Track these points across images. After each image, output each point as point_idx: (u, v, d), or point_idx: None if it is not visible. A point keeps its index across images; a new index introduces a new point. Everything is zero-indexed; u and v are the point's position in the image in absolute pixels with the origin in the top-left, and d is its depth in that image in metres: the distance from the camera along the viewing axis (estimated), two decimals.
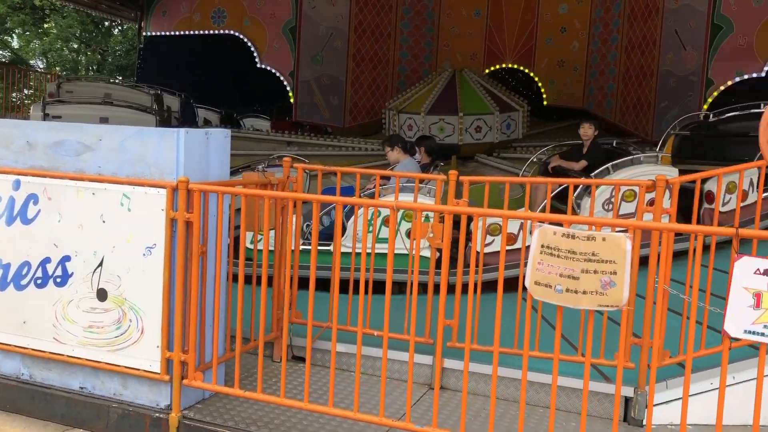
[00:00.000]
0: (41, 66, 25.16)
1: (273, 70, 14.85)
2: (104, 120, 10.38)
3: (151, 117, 10.73)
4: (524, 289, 3.18)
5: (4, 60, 24.05)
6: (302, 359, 4.47)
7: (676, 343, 4.01)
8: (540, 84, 15.75)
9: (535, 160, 8.31)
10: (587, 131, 7.18)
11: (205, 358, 3.78)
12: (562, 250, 2.90)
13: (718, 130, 7.55)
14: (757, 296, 2.65)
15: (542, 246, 2.94)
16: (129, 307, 3.72)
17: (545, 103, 15.61)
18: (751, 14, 11.64)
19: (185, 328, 3.62)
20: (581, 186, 5.92)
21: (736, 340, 2.84)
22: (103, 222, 3.75)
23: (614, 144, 8.14)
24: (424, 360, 4.31)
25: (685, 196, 4.22)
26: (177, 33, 15.49)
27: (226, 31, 15.06)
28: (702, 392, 3.89)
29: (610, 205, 5.82)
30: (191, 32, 15.34)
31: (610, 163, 6.29)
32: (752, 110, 7.47)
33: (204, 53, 15.35)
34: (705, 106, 12.14)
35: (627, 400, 3.95)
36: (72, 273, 3.84)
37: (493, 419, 3.24)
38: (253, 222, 4.11)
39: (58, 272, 3.86)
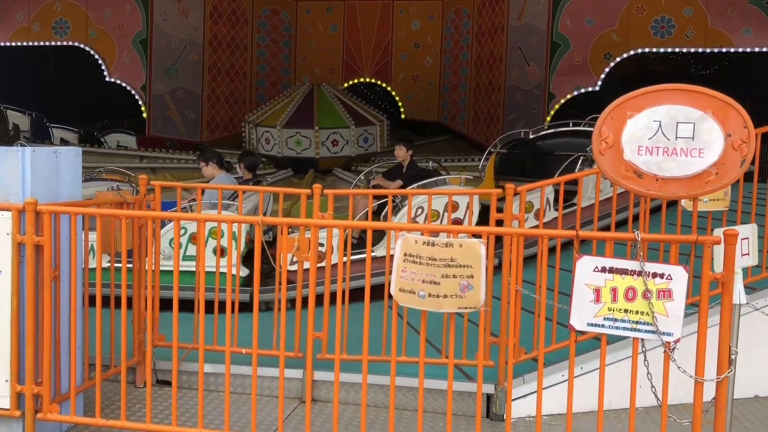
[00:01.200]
0: None
1: (123, 84, 14.23)
2: None
3: None
4: (390, 296, 3.30)
5: None
6: (167, 383, 4.33)
7: (530, 340, 4.30)
8: (397, 98, 16.25)
9: (362, 177, 8.50)
10: (399, 153, 7.38)
11: (61, 388, 3.57)
12: (424, 257, 3.04)
13: (534, 148, 8.15)
14: (597, 291, 2.93)
15: (405, 254, 3.06)
16: None
17: (402, 116, 16.11)
18: (584, 33, 12.73)
19: (38, 358, 3.40)
20: (399, 198, 6.23)
21: (582, 333, 3.11)
22: None
23: (430, 165, 8.53)
24: (295, 374, 4.32)
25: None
26: (13, 44, 14.41)
27: (71, 43, 14.23)
28: (555, 384, 4.19)
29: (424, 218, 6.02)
30: (30, 43, 14.34)
31: (417, 184, 6.59)
32: (561, 128, 8.21)
33: (45, 66, 14.43)
34: (548, 118, 13.11)
35: (489, 396, 4.18)
36: None
37: (364, 426, 3.31)
38: (109, 243, 3.95)
39: None
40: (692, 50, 12.14)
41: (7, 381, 3.42)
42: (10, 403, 3.42)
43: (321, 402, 4.26)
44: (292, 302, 4.66)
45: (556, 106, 13.06)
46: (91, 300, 3.91)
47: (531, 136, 8.36)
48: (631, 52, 12.37)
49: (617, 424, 4.09)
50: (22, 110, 11.41)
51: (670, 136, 2.86)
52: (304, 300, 4.20)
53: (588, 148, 6.54)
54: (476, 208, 5.92)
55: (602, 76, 12.63)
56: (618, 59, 12.47)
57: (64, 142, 11.67)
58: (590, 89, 12.79)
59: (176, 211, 4.55)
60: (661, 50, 12.33)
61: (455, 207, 6.00)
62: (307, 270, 4.43)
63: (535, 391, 3.80)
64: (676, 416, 3.30)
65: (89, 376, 3.74)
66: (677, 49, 12.24)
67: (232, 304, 4.12)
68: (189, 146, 13.88)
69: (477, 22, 14.79)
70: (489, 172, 8.21)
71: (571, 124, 8.24)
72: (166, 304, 4.48)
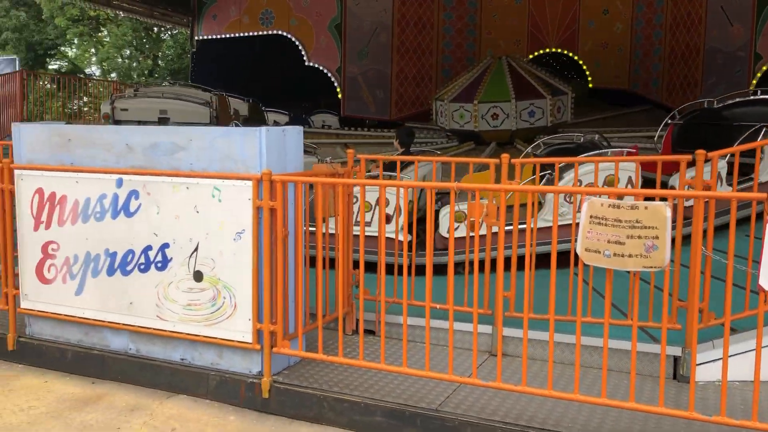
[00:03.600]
0: (96, 74, 26.33)
1: (321, 68, 15.37)
2: (163, 112, 11.13)
3: (206, 110, 11.31)
4: (575, 264, 3.55)
5: (62, 70, 25.25)
6: (370, 332, 4.93)
7: (721, 306, 4.30)
8: (584, 67, 15.86)
9: (530, 151, 8.50)
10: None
11: (289, 329, 4.26)
12: (609, 219, 3.25)
13: (718, 118, 7.63)
14: None
15: (591, 216, 3.30)
16: (222, 286, 4.22)
17: (590, 85, 15.71)
18: None
19: (273, 302, 4.10)
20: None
21: None
22: (197, 212, 4.26)
23: (596, 138, 8.28)
24: (484, 330, 4.69)
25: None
26: (227, 36, 16.14)
27: (274, 32, 15.64)
28: (747, 351, 4.17)
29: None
30: (241, 34, 15.97)
31: (587, 154, 6.47)
32: (752, 97, 7.58)
33: (254, 53, 15.96)
34: (754, 81, 12.14)
35: (676, 359, 4.27)
36: (171, 258, 4.36)
37: (551, 378, 3.62)
38: (325, 209, 4.56)
39: (159, 258, 4.39)
40: None
41: (249, 320, 4.17)
42: (252, 338, 4.17)
43: (509, 356, 4.60)
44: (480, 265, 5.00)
45: (764, 68, 12.04)
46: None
47: (716, 106, 7.91)
48: None
49: None
50: (241, 97, 12.83)
51: None
52: (493, 263, 4.56)
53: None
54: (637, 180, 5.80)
55: None
56: None
57: (276, 124, 12.96)
58: None
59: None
60: None
61: (615, 180, 5.87)
62: (494, 235, 4.75)
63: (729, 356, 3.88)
64: None
65: (307, 323, 4.41)
66: None
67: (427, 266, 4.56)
68: (382, 124, 14.71)
69: None
70: (666, 144, 7.91)
71: (759, 92, 7.69)
72: (370, 266, 5.10)
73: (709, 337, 4.24)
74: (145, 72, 25.50)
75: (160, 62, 25.42)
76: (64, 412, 4.21)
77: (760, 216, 4.62)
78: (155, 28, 24.18)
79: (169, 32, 24.36)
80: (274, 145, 4.19)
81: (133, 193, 4.44)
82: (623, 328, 4.35)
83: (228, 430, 3.99)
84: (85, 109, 17.63)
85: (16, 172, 4.83)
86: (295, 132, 4.41)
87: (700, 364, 4.13)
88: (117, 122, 10.72)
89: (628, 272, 4.22)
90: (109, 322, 4.63)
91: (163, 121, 10.57)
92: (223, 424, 4.04)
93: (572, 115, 11.96)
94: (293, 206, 4.26)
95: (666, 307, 3.75)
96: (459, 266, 5.19)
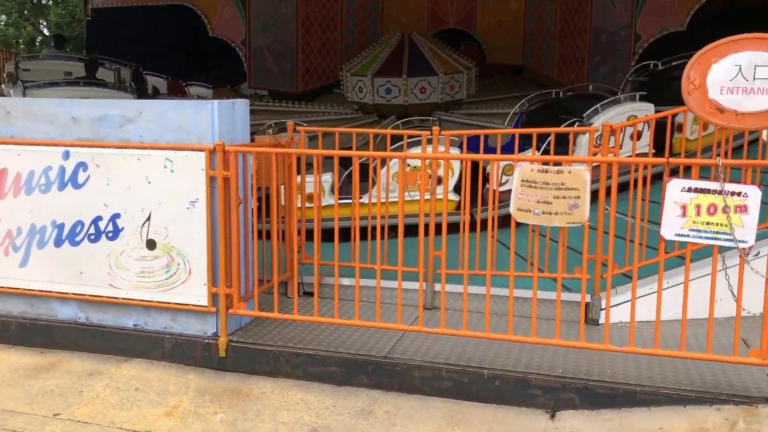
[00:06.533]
0: None
1: (225, 39, 15.22)
2: (68, 73, 10.70)
3: (131, 96, 10.92)
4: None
5: None
6: (310, 294, 5.26)
7: (622, 259, 4.97)
8: (481, 43, 16.59)
9: (518, 110, 9.12)
10: None
11: (240, 292, 4.52)
12: (538, 182, 3.76)
13: (559, 109, 8.55)
14: (683, 208, 3.58)
15: (522, 180, 3.79)
16: (177, 253, 4.42)
17: (487, 61, 16.47)
18: None
19: (228, 266, 4.35)
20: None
21: (667, 252, 3.75)
22: (149, 183, 4.41)
23: (590, 89, 9.10)
24: (416, 286, 5.11)
25: None
26: (125, 5, 15.60)
27: (177, 2, 15.28)
28: (646, 295, 4.84)
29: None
30: (140, 4, 15.48)
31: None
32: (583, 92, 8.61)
33: (154, 25, 15.52)
34: (634, 60, 13.26)
35: (586, 306, 4.89)
36: (122, 228, 4.50)
37: (488, 322, 4.12)
38: (270, 178, 4.83)
39: (110, 228, 4.52)
40: None
41: (204, 285, 4.40)
42: (207, 301, 4.41)
43: (448, 310, 5.06)
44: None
45: (644, 47, 13.18)
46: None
47: (560, 97, 8.81)
48: None
49: (701, 329, 4.73)
50: (124, 63, 12.41)
51: (748, 78, 3.43)
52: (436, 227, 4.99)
53: (584, 114, 7.06)
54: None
55: (689, 16, 12.64)
56: None
57: (155, 89, 12.59)
58: (677, 30, 12.83)
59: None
60: None
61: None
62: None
63: (628, 301, 4.52)
64: (753, 323, 3.93)
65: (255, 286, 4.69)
66: None
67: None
68: (287, 96, 14.79)
69: None
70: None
71: (590, 87, 8.74)
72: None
73: (614, 285, 4.89)
74: (27, 39, 24.04)
75: (45, 30, 24.00)
76: (20, 380, 4.30)
77: (652, 179, 5.33)
78: None
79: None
80: (224, 118, 4.40)
81: (81, 165, 4.52)
82: (540, 280, 4.92)
83: (189, 386, 4.23)
84: None
85: None
86: (243, 105, 4.63)
87: (606, 308, 4.77)
88: (20, 81, 10.11)
89: (543, 235, 4.80)
90: (57, 292, 4.71)
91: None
92: (184, 381, 4.28)
93: (476, 88, 12.68)
94: (242, 175, 4.50)
95: (585, 260, 4.33)
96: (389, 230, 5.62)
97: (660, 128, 5.64)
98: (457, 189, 6.42)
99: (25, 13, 23.59)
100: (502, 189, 5.82)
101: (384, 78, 12.00)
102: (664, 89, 8.15)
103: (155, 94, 11.25)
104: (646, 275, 4.94)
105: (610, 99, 7.48)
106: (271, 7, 15.23)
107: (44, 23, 24.00)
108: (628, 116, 7.11)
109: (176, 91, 12.42)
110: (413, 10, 16.69)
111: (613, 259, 4.82)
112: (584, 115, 7.21)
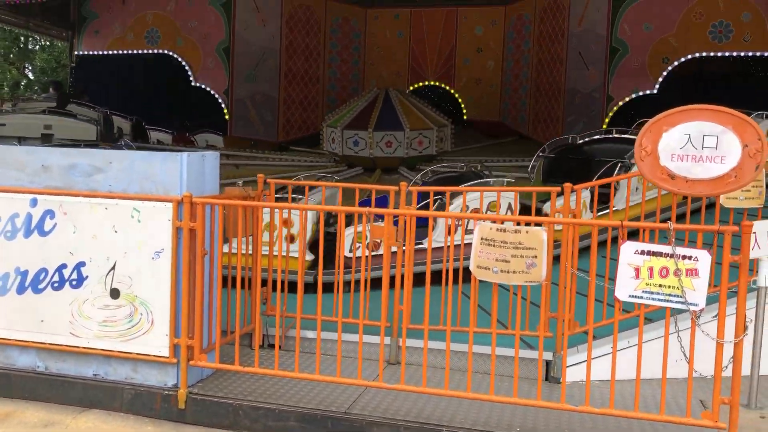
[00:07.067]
0: None
1: (208, 89, 15.45)
2: (48, 127, 10.86)
3: (94, 127, 11.12)
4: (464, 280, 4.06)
5: None
6: (272, 346, 5.25)
7: (584, 318, 5.04)
8: (460, 100, 17.00)
9: (419, 178, 9.25)
10: None
11: (205, 343, 4.52)
12: (497, 240, 3.84)
13: (580, 153, 8.77)
14: (637, 270, 3.67)
15: (482, 238, 3.87)
16: (140, 303, 4.42)
17: (465, 117, 16.85)
18: (643, 38, 13.25)
19: (191, 318, 4.36)
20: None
21: (627, 312, 3.83)
22: (115, 232, 4.44)
23: (477, 167, 9.25)
24: (377, 340, 5.13)
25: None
26: (111, 52, 15.84)
27: (160, 51, 15.55)
28: (605, 354, 4.91)
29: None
30: (125, 51, 15.73)
31: (469, 183, 7.24)
32: (609, 135, 8.83)
33: (138, 72, 15.76)
34: (607, 120, 13.66)
35: (548, 363, 4.94)
36: (87, 276, 4.50)
37: (447, 379, 4.14)
38: (236, 229, 4.88)
39: (74, 276, 4.51)
40: (750, 54, 12.49)
41: (166, 335, 4.39)
42: (169, 352, 4.40)
43: (408, 365, 5.08)
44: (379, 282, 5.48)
45: (615, 108, 13.59)
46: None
47: (579, 142, 9.02)
48: (689, 56, 12.80)
49: (657, 389, 4.78)
50: (124, 115, 12.65)
51: (697, 146, 3.58)
52: (389, 280, 5.04)
53: (626, 155, 7.20)
54: (516, 207, 6.52)
55: (660, 79, 13.11)
56: (676, 63, 12.93)
57: (159, 143, 12.87)
58: (648, 92, 13.28)
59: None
60: (719, 54, 12.72)
61: (497, 206, 6.57)
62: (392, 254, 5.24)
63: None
64: (703, 384, 3.99)
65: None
66: (735, 53, 12.61)
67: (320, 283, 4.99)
68: (267, 145, 14.98)
69: (538, 27, 15.41)
70: (537, 175, 8.88)
71: (614, 131, 8.90)
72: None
73: (574, 343, 4.95)
74: (10, 83, 24.16)
75: (30, 74, 24.16)
76: None
77: (615, 240, 5.45)
78: (22, 38, 23.06)
79: (39, 44, 23.29)
80: (193, 169, 4.47)
81: (48, 213, 4.54)
82: (504, 337, 4.97)
83: None
84: None
85: None
86: (213, 157, 4.71)
87: (569, 366, 4.82)
88: None
89: (508, 290, 4.87)
90: (16, 340, 4.66)
91: (46, 137, 10.29)
92: None
93: (452, 145, 12.87)
94: (209, 227, 4.54)
95: (543, 317, 4.40)
96: (355, 284, 5.66)
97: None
98: None
99: (11, 56, 23.79)
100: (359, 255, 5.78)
101: (352, 131, 12.24)
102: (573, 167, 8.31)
103: (119, 136, 11.34)
104: (607, 334, 5.01)
105: (479, 180, 7.52)
106: (254, 59, 15.54)
107: (29, 67, 24.17)
108: None
109: (139, 133, 12.54)
110: (394, 65, 17.12)
111: (574, 317, 4.90)
112: (625, 156, 7.26)
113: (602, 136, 8.97)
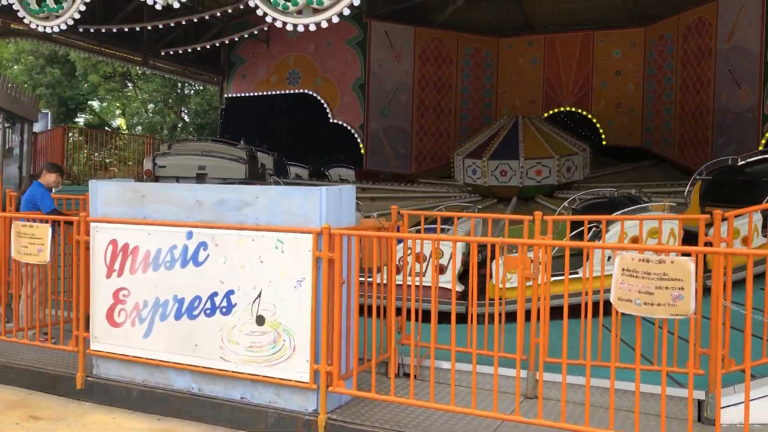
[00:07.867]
0: (115, 126, 27.31)
1: (344, 124, 16.09)
2: (202, 168, 11.82)
3: (242, 166, 12.00)
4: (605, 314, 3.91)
5: (89, 123, 26.19)
6: (408, 375, 5.29)
7: (740, 355, 4.66)
8: (598, 125, 16.47)
9: (567, 205, 8.97)
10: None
11: (343, 370, 4.65)
12: (639, 272, 3.67)
13: (743, 174, 8.10)
14: None
15: (623, 269, 3.72)
16: (283, 330, 4.64)
17: (604, 143, 16.28)
18: None
19: (330, 345, 4.51)
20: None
21: None
22: (261, 262, 4.71)
23: (632, 192, 8.77)
24: (512, 373, 5.02)
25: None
26: (256, 94, 16.95)
27: (301, 91, 16.42)
28: (765, 396, 4.51)
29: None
30: (269, 92, 16.77)
31: (625, 210, 6.90)
32: None
33: (280, 110, 16.73)
34: (763, 141, 12.66)
35: (700, 402, 4.61)
36: (236, 303, 4.79)
37: (588, 415, 3.97)
38: (371, 259, 5.01)
39: (224, 303, 4.83)
40: None
41: (307, 361, 4.57)
42: (309, 378, 4.56)
43: (544, 399, 4.94)
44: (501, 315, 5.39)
45: None
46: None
47: (740, 162, 8.39)
48: None
49: None
50: (267, 151, 13.48)
51: None
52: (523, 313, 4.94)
53: None
54: (680, 234, 6.24)
55: None
56: None
57: (298, 177, 13.57)
58: None
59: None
60: None
61: (657, 233, 6.35)
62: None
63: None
64: None
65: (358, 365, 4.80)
66: None
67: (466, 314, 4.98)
68: (400, 177, 15.29)
69: (682, 47, 14.67)
70: (694, 199, 8.38)
71: None
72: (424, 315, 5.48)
73: (730, 382, 4.59)
74: (169, 126, 26.41)
75: (185, 117, 26.33)
76: None
77: None
78: (179, 84, 25.18)
79: (194, 88, 25.32)
80: (332, 202, 4.66)
81: (202, 245, 4.90)
82: (650, 373, 4.71)
83: None
84: (108, 160, 18.14)
85: (92, 224, 5.32)
86: (350, 190, 4.90)
87: (724, 407, 4.47)
88: (157, 178, 11.37)
89: (653, 323, 4.62)
90: (174, 362, 5.04)
91: (201, 177, 11.20)
92: None
93: (588, 171, 12.45)
94: (346, 257, 4.70)
95: (692, 352, 4.13)
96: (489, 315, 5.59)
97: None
98: None
99: (170, 101, 26.05)
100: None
101: (471, 159, 12.19)
102: (734, 189, 7.69)
103: (263, 171, 12.08)
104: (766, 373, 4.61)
105: (634, 207, 7.07)
106: (388, 94, 16.00)
107: (185, 110, 26.35)
108: None
109: (280, 169, 13.27)
110: (528, 93, 16.94)
111: (729, 353, 4.55)
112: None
113: (765, 156, 8.30)
